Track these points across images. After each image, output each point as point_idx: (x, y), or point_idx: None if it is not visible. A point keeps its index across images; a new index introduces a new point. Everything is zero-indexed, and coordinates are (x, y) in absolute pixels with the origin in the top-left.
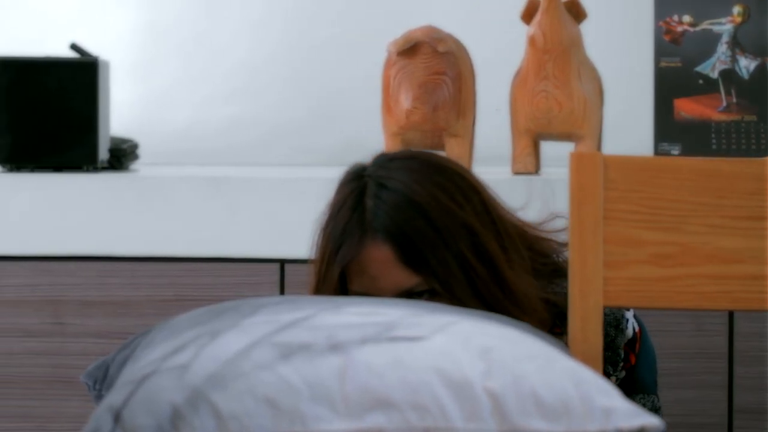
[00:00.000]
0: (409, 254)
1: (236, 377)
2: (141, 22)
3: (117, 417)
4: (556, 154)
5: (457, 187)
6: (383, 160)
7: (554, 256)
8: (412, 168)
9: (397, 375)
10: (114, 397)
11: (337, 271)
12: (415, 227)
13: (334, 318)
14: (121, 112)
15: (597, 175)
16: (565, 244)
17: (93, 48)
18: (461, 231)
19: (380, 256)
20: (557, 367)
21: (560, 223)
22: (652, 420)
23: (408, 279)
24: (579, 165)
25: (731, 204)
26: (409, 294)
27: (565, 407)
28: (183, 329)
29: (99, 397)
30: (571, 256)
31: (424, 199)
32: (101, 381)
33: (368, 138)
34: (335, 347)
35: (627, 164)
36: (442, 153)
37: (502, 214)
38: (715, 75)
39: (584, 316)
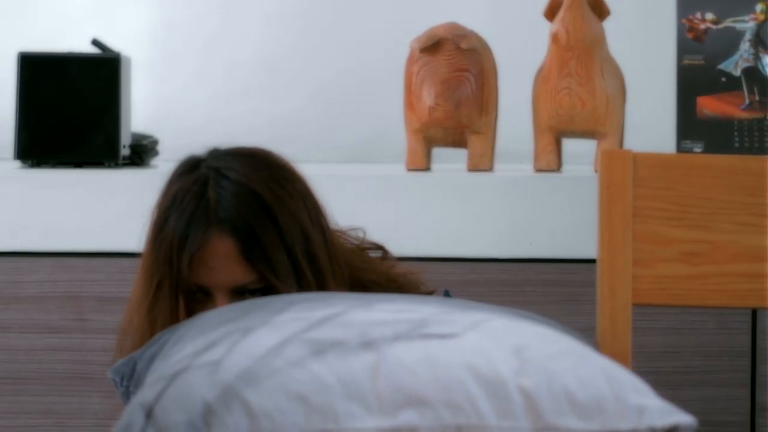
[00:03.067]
0: (251, 249)
1: (268, 374)
2: (159, 18)
3: (149, 413)
4: (575, 151)
5: (295, 189)
6: (220, 153)
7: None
8: (250, 163)
9: (430, 372)
10: (146, 394)
11: (186, 260)
12: (259, 222)
13: (365, 315)
14: (139, 108)
15: (627, 172)
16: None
17: (112, 44)
18: (298, 234)
19: (223, 248)
20: (590, 365)
21: (360, 234)
22: (685, 418)
23: (245, 275)
24: (609, 162)
25: (760, 202)
26: (241, 292)
27: (598, 405)
28: (213, 326)
29: (126, 393)
30: (600, 254)
31: (267, 194)
32: (129, 377)
33: (387, 135)
34: (367, 344)
35: (657, 162)
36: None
37: (328, 223)
38: (737, 73)
39: (613, 314)
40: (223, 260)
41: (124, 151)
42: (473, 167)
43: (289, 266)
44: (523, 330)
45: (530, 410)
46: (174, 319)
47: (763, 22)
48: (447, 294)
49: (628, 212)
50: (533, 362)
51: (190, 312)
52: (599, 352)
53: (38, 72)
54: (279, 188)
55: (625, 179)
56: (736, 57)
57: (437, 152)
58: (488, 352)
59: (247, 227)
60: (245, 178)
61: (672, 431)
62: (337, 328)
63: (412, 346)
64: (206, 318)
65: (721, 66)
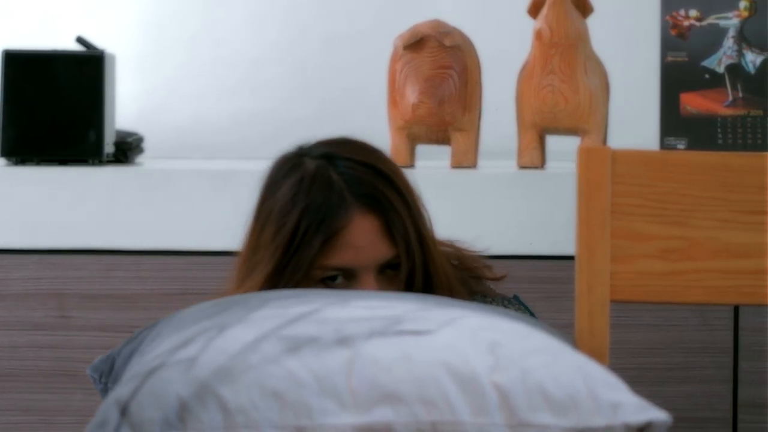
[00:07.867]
0: (392, 224)
1: (243, 371)
2: (145, 15)
3: (124, 410)
4: (559, 149)
5: (400, 169)
6: (318, 144)
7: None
8: (356, 147)
9: (405, 369)
10: (121, 391)
11: (318, 244)
12: (392, 197)
13: (341, 311)
14: (125, 106)
15: (605, 169)
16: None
17: (97, 41)
18: (419, 207)
19: (368, 226)
20: (565, 362)
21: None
22: (659, 414)
23: (388, 250)
24: (587, 159)
25: (739, 198)
26: (382, 270)
27: (572, 402)
28: (190, 323)
29: (105, 390)
30: (578, 250)
31: (384, 167)
32: (107, 374)
33: (373, 132)
34: (342, 341)
35: (635, 158)
36: (447, 147)
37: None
38: (721, 70)
39: (591, 310)
40: (368, 238)
41: (109, 149)
42: (457, 164)
43: (417, 238)
44: (498, 326)
45: (504, 406)
46: None
47: (747, 18)
48: (516, 299)
49: (606, 209)
50: (508, 359)
51: None
52: (577, 349)
53: (23, 70)
54: (391, 165)
55: (604, 176)
56: (719, 54)
57: (421, 149)
58: (463, 349)
59: (386, 200)
60: (358, 157)
61: (646, 428)
62: (313, 325)
63: (386, 343)
64: (182, 315)
65: (705, 63)
